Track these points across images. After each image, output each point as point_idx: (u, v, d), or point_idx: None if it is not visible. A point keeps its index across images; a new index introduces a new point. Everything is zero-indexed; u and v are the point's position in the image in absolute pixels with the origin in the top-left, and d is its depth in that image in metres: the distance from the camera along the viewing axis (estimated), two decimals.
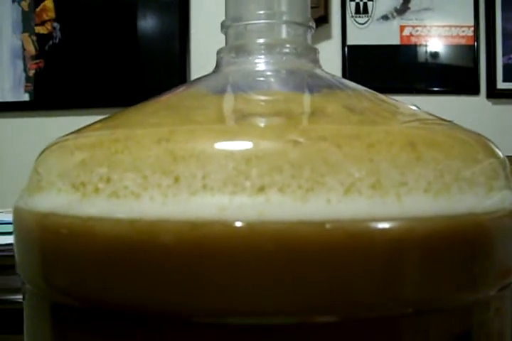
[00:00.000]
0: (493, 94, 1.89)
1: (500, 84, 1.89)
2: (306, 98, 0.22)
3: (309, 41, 0.25)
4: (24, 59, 1.97)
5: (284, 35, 0.24)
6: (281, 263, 0.16)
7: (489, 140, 0.21)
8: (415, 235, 0.17)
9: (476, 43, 1.89)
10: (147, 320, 0.17)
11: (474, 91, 1.89)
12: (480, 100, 1.89)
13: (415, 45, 1.89)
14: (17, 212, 0.21)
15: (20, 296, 0.53)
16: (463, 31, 1.89)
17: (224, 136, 0.18)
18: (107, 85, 1.93)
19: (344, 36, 1.89)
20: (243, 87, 0.23)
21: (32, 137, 1.74)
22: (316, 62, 0.24)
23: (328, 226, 0.16)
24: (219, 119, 0.21)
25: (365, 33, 1.89)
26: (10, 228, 0.54)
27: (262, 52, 0.23)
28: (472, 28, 1.89)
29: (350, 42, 1.89)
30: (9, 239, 0.50)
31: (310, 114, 0.21)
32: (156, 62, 1.94)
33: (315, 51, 0.25)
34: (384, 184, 0.17)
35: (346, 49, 1.89)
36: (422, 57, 1.90)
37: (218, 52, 0.25)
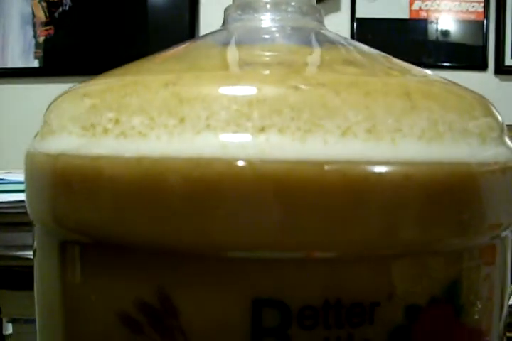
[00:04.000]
0: (501, 70, 1.88)
1: (509, 61, 1.87)
2: (309, 50, 0.23)
3: (314, 2, 0.25)
4: (34, 25, 1.96)
5: None
6: (280, 200, 0.17)
7: (490, 103, 0.22)
8: (408, 178, 0.17)
9: (485, 19, 1.88)
10: (151, 253, 0.18)
11: (482, 67, 1.88)
12: (487, 76, 1.88)
13: (424, 20, 1.88)
14: (29, 156, 0.21)
15: (28, 252, 0.54)
16: (473, 6, 1.88)
17: (228, 80, 0.18)
18: (116, 52, 1.92)
19: (353, 9, 1.88)
20: (248, 40, 0.23)
21: (41, 103, 1.74)
22: (320, 21, 0.25)
23: (325, 166, 0.17)
24: (224, 67, 0.22)
25: (375, 6, 1.87)
26: (17, 186, 0.55)
27: (268, 9, 0.24)
28: (482, 3, 1.88)
29: (359, 15, 1.88)
30: (16, 197, 0.51)
31: (311, 64, 0.22)
32: (166, 30, 1.93)
33: (319, 11, 0.25)
34: (379, 129, 0.17)
35: (355, 22, 1.88)
36: (430, 32, 1.88)
37: (225, 10, 0.25)
